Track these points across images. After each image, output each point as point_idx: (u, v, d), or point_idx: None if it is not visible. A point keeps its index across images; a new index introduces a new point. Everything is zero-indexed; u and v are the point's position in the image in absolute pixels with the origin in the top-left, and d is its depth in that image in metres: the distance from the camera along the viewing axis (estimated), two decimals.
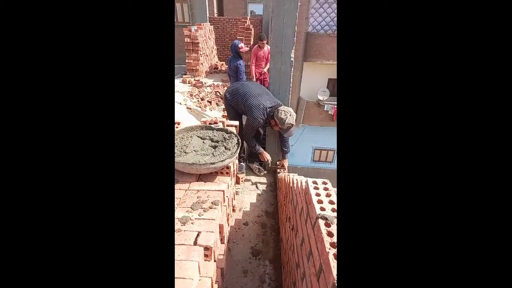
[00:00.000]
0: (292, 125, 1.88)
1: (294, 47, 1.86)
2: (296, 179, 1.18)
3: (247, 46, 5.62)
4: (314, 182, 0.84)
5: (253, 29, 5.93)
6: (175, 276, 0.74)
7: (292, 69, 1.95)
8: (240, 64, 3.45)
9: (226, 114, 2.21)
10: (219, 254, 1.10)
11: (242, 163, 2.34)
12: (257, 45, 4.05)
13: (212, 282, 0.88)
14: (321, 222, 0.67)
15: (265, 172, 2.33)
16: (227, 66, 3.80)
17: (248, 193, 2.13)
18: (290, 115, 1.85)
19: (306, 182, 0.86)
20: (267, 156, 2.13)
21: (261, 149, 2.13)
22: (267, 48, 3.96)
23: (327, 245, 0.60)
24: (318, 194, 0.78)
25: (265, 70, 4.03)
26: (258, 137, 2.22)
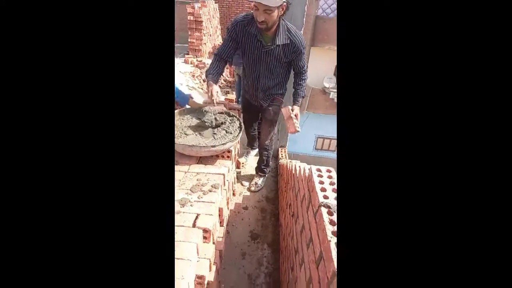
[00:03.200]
0: None
1: (303, 29, 1.77)
2: (299, 166, 1.15)
3: None
4: (318, 170, 0.81)
5: None
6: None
7: None
8: None
9: (228, 97, 2.08)
10: (218, 237, 1.10)
11: (252, 151, 2.08)
12: None
13: (210, 263, 0.88)
14: (324, 210, 0.65)
15: (261, 187, 1.95)
16: None
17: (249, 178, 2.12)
18: None
19: (310, 169, 0.84)
20: (214, 91, 1.33)
21: (211, 82, 1.36)
22: None
23: (329, 233, 0.58)
24: (321, 182, 0.76)
25: None
26: (253, 124, 1.82)
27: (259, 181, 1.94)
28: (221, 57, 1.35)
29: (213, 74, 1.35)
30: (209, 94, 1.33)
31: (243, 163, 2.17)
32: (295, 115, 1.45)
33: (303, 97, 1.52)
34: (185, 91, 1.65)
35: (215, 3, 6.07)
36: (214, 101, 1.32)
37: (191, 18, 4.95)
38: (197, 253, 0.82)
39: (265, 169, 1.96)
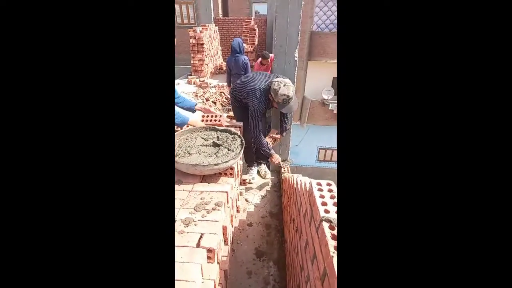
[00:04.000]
0: (288, 97, 1.61)
1: (298, 47, 1.84)
2: (300, 180, 1.16)
3: (251, 47, 5.58)
4: (318, 184, 0.83)
5: (257, 29, 5.92)
6: (178, 278, 0.74)
7: (296, 69, 1.94)
8: (248, 60, 3.30)
9: (231, 115, 2.15)
10: (223, 256, 1.09)
11: (254, 167, 2.24)
12: (259, 60, 3.91)
13: (215, 284, 0.88)
14: (325, 225, 0.66)
15: (269, 176, 2.28)
16: (227, 66, 3.51)
17: (252, 194, 2.12)
18: (284, 85, 1.60)
19: (310, 183, 0.85)
20: (278, 159, 1.98)
21: (273, 151, 1.95)
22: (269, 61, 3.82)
23: (331, 249, 0.58)
24: (322, 196, 0.77)
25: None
26: (264, 134, 2.09)
27: (254, 172, 2.28)
28: (258, 119, 1.82)
29: (267, 145, 1.94)
30: (276, 162, 1.98)
31: (247, 180, 2.17)
32: (274, 138, 2.08)
33: (286, 130, 2.12)
34: (188, 104, 1.71)
35: (215, 25, 6.35)
36: (280, 162, 2.06)
37: (193, 41, 5.18)
38: (202, 274, 0.82)
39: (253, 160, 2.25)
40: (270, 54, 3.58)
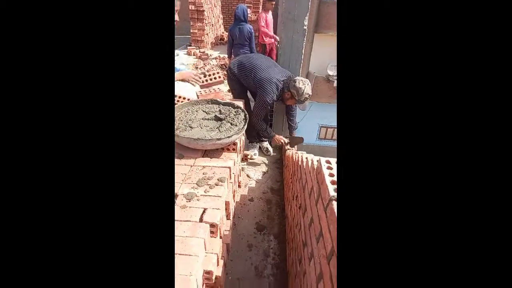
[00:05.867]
0: (309, 96, 1.75)
1: (308, 14, 1.69)
2: (306, 158, 1.13)
3: (255, 15, 5.23)
4: (328, 162, 0.79)
5: None
6: (181, 252, 0.73)
7: (305, 39, 1.80)
8: (252, 30, 3.04)
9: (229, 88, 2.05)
10: (225, 230, 1.09)
11: (255, 143, 2.24)
12: (263, 9, 3.66)
13: (218, 258, 0.88)
14: (335, 204, 0.63)
15: (272, 153, 2.26)
16: (229, 35, 3.20)
17: (254, 169, 2.10)
18: (308, 84, 1.73)
19: (319, 161, 0.81)
20: (282, 138, 2.00)
21: (273, 132, 2.00)
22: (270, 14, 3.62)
23: None
24: (331, 175, 0.73)
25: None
26: (266, 118, 2.08)
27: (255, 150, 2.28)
28: (265, 109, 1.87)
29: (268, 126, 1.98)
30: (280, 141, 2.00)
31: (249, 156, 2.15)
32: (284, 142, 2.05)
33: (295, 129, 2.12)
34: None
35: None
36: (285, 142, 2.00)
37: (193, 7, 4.83)
38: (205, 248, 0.81)
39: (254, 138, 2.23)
40: (273, 38, 3.39)
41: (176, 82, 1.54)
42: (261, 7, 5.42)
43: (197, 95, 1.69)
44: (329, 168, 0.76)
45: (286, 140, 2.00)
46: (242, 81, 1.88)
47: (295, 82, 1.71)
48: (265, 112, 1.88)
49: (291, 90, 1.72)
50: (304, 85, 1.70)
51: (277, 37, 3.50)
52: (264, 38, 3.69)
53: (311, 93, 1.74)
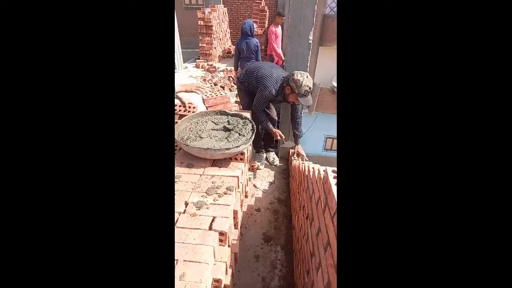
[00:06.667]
0: (310, 88, 1.66)
1: (313, 29, 1.76)
2: (313, 167, 1.14)
3: (261, 29, 5.40)
4: (334, 171, 0.80)
5: (268, 10, 5.70)
6: (191, 259, 0.75)
7: (310, 52, 1.86)
8: (259, 44, 3.18)
9: (239, 100, 2.11)
10: (233, 239, 1.10)
11: (262, 154, 2.25)
12: (273, 23, 3.81)
13: (226, 267, 0.89)
14: None
15: (278, 163, 2.27)
16: (236, 49, 3.35)
17: (260, 180, 2.12)
18: (307, 77, 1.65)
19: (325, 171, 0.83)
20: (279, 133, 1.93)
21: (271, 126, 1.94)
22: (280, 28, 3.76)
23: None
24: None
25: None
26: (273, 120, 2.07)
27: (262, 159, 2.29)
28: (264, 103, 1.85)
29: (268, 120, 1.94)
30: (278, 136, 1.94)
31: (255, 166, 2.17)
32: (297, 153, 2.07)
33: (300, 137, 2.08)
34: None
35: (224, 7, 6.13)
36: (283, 138, 1.97)
37: (201, 23, 5.03)
38: (214, 256, 0.83)
39: (261, 147, 2.24)
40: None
41: (182, 94, 1.60)
42: (267, 21, 5.60)
43: (203, 99, 1.75)
44: (336, 177, 0.78)
45: (283, 136, 1.99)
46: (247, 86, 1.91)
47: (294, 75, 1.67)
48: (264, 106, 1.85)
49: (290, 84, 1.68)
50: (303, 77, 1.64)
51: (283, 57, 3.64)
52: (274, 55, 3.84)
53: (311, 86, 1.67)
